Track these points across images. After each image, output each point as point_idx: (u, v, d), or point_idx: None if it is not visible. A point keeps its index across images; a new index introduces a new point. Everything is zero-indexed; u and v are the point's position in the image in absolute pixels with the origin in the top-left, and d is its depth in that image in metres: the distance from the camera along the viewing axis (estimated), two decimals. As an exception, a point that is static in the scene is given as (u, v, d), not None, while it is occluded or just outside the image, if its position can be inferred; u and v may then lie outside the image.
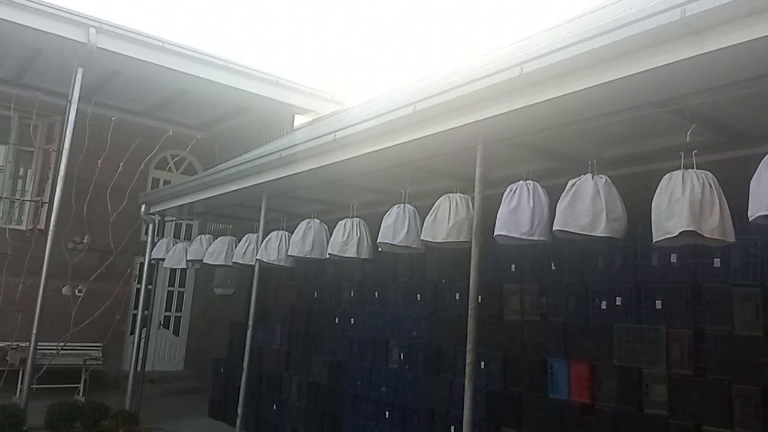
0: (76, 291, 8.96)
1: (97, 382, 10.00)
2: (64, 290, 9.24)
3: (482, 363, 5.23)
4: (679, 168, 3.42)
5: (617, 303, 4.56)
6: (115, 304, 8.86)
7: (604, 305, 4.65)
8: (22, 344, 8.52)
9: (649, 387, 4.21)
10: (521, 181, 4.22)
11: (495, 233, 4.20)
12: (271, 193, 6.79)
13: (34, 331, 7.64)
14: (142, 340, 9.02)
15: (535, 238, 4.05)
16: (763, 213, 2.99)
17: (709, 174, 3.38)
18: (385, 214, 5.31)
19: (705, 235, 3.25)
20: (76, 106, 8.36)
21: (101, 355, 10.25)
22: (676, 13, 2.82)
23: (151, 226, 9.25)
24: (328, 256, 6.10)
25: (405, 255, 6.01)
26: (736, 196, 3.27)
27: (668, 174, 3.45)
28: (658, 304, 4.32)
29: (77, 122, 8.35)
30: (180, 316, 12.29)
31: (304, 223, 6.43)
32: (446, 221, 4.66)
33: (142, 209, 9.16)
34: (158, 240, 9.14)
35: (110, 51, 8.42)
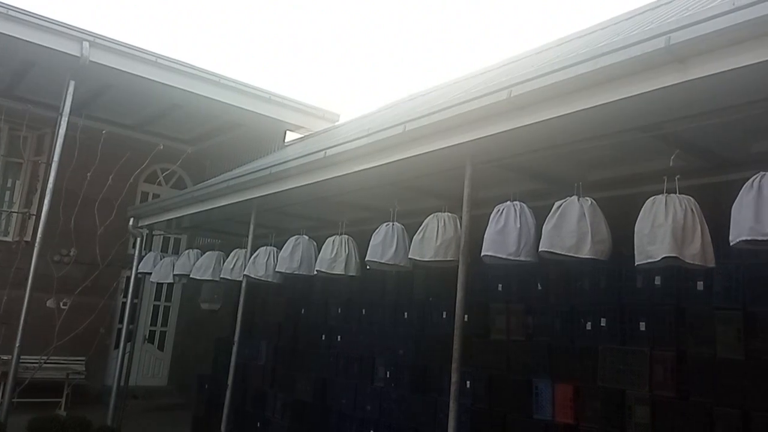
0: (61, 304, 8.89)
1: (80, 397, 9.87)
2: (48, 303, 9.18)
3: (468, 382, 5.23)
4: (662, 192, 3.49)
5: (602, 324, 4.59)
6: (100, 317, 8.80)
7: (589, 326, 4.68)
8: (5, 357, 8.42)
9: (632, 409, 4.23)
10: (508, 202, 4.27)
11: (482, 253, 4.24)
12: (261, 209, 6.81)
13: (18, 344, 7.56)
14: (127, 355, 8.94)
15: (522, 258, 4.09)
16: (743, 238, 3.05)
17: (692, 199, 3.44)
18: (373, 232, 5.33)
19: (687, 260, 3.31)
20: (67, 118, 8.39)
21: (84, 369, 10.15)
22: (661, 41, 2.89)
23: (138, 239, 9.22)
24: (316, 272, 6.10)
25: (393, 273, 6.03)
26: (718, 220, 3.33)
27: (651, 198, 3.52)
28: (642, 326, 4.36)
29: (67, 135, 8.37)
30: (165, 331, 12.20)
31: (292, 239, 6.44)
32: (434, 240, 4.70)
33: (130, 223, 9.13)
34: (145, 254, 9.10)
35: (103, 65, 8.48)
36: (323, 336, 7.24)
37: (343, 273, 5.81)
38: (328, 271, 5.86)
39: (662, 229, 3.32)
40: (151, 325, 11.99)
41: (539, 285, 5.12)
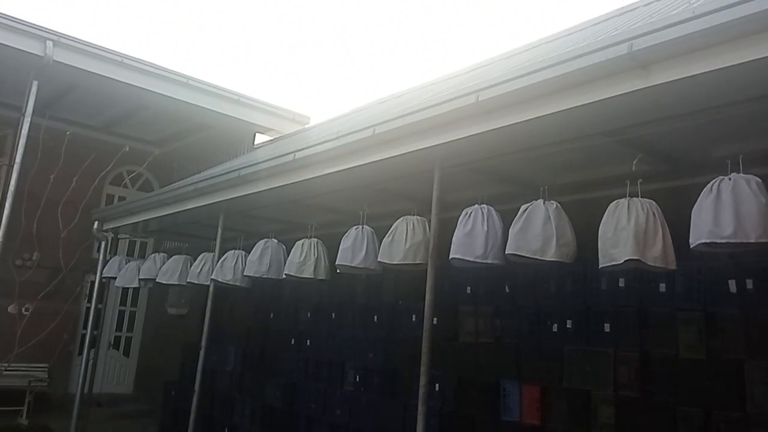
0: (23, 309, 8.64)
1: (42, 405, 9.60)
2: (10, 308, 8.90)
3: (437, 385, 5.25)
4: (626, 196, 3.55)
5: (568, 326, 4.66)
6: (63, 323, 8.60)
7: (555, 328, 4.74)
8: (-37, 364, 8.15)
9: (597, 409, 4.29)
10: (476, 205, 4.30)
11: (450, 256, 4.26)
12: (229, 212, 6.73)
13: (-24, 351, 7.34)
14: (91, 361, 8.74)
15: (489, 261, 4.12)
16: (703, 241, 3.12)
17: (654, 203, 3.51)
18: (343, 235, 5.32)
19: (649, 263, 3.38)
20: (29, 119, 8.20)
21: (47, 376, 9.88)
22: (623, 47, 2.95)
23: (103, 243, 9.02)
24: (285, 276, 6.06)
25: (363, 276, 6.02)
26: (679, 224, 3.41)
27: (615, 202, 3.58)
28: (607, 327, 4.43)
29: (30, 136, 8.18)
30: (131, 337, 11.97)
31: (261, 242, 6.38)
32: (403, 243, 4.71)
33: (95, 226, 8.93)
34: (110, 258, 8.92)
35: (67, 64, 8.31)
36: (292, 340, 7.19)
37: (312, 276, 5.79)
38: (297, 275, 5.83)
39: (625, 233, 3.38)
40: (116, 330, 11.75)
41: (507, 288, 5.17)
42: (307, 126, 11.20)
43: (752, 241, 3.01)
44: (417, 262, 4.64)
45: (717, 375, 3.84)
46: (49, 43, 8.05)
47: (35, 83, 8.26)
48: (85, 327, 9.75)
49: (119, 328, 11.82)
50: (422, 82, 9.23)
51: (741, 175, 3.16)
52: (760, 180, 3.13)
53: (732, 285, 3.93)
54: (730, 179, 3.15)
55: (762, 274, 3.83)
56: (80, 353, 10.13)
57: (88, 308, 9.50)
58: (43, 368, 9.80)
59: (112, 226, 8.81)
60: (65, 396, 10.30)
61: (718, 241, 3.07)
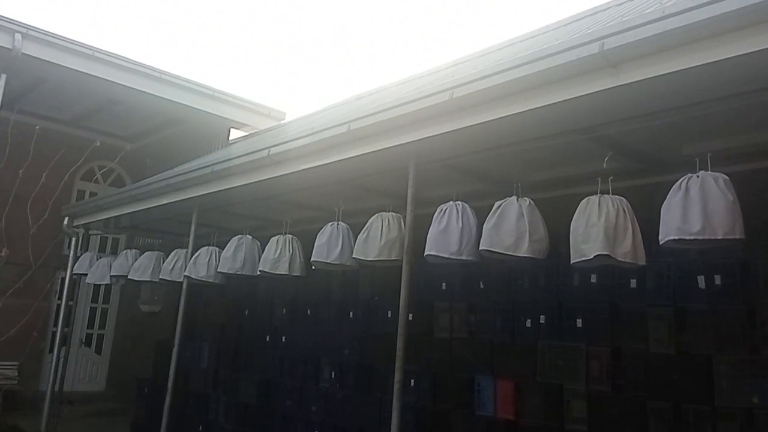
0: (-9, 307, 8.48)
1: (12, 403, 9.40)
2: (-23, 306, 8.73)
3: (412, 381, 5.26)
4: (597, 193, 3.60)
5: (541, 321, 4.70)
6: (33, 320, 8.45)
7: (528, 323, 4.78)
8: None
9: (569, 403, 4.34)
10: (451, 202, 4.31)
11: (425, 253, 4.27)
12: (202, 208, 6.66)
13: (-58, 350, 7.17)
14: (61, 359, 8.60)
15: (464, 257, 4.14)
16: (672, 237, 3.18)
17: (624, 200, 3.56)
18: (318, 232, 5.30)
19: (618, 258, 3.43)
20: (-3, 113, 8.00)
21: (17, 374, 9.67)
22: (595, 46, 2.98)
23: (74, 239, 8.87)
24: (259, 273, 6.02)
25: (338, 273, 6.01)
26: (649, 220, 3.46)
27: (586, 198, 3.62)
28: (579, 323, 4.48)
29: (-3, 130, 7.98)
30: (103, 334, 11.77)
31: (235, 239, 6.33)
32: (378, 239, 4.71)
33: (65, 222, 8.77)
34: (81, 254, 8.77)
35: (36, 57, 8.12)
36: (267, 337, 7.15)
37: (287, 273, 5.75)
38: (271, 272, 5.79)
39: (595, 228, 3.43)
40: (88, 327, 11.53)
41: (481, 284, 5.20)
42: (282, 122, 11.13)
43: (720, 237, 3.07)
44: (392, 258, 4.64)
45: (686, 369, 3.91)
46: (18, 36, 7.87)
47: (3, 76, 8.07)
48: (55, 324, 9.58)
49: (91, 325, 11.62)
50: (399, 79, 9.23)
51: (709, 172, 3.21)
52: (727, 177, 3.19)
53: (701, 281, 4.00)
54: (698, 177, 3.21)
55: (730, 270, 3.91)
56: (51, 351, 9.96)
57: (59, 305, 9.34)
58: (13, 366, 9.60)
59: (83, 222, 8.67)
60: (36, 394, 10.09)
61: (687, 237, 3.13)
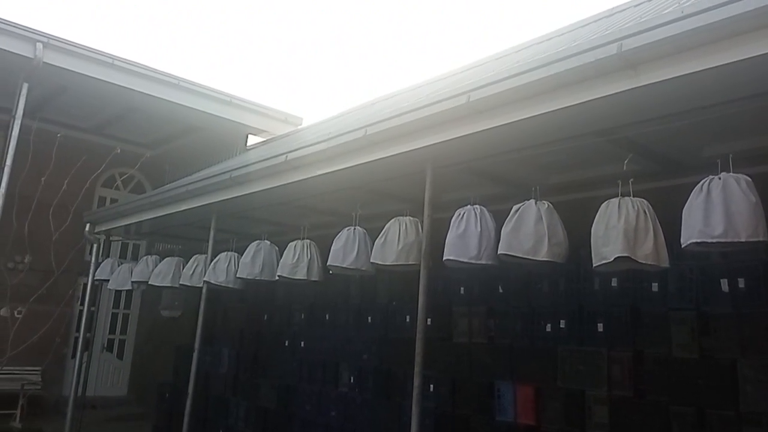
0: (15, 313, 8.54)
1: (36, 408, 9.55)
2: (2, 312, 8.79)
3: (431, 386, 5.24)
4: (617, 195, 3.55)
5: (561, 326, 4.66)
6: (56, 326, 8.49)
7: (548, 328, 4.74)
8: (-46, 369, 8.10)
9: (591, 409, 4.29)
10: (469, 206, 4.29)
11: (444, 258, 4.25)
12: (221, 214, 6.71)
13: (-32, 356, 7.28)
14: (84, 364, 8.70)
15: (483, 262, 4.12)
16: (694, 240, 3.12)
17: (644, 201, 3.51)
18: (335, 237, 5.31)
19: (639, 260, 3.38)
20: (20, 121, 8.15)
21: (40, 379, 9.81)
22: (613, 47, 2.95)
23: (95, 245, 8.98)
24: (278, 278, 6.04)
25: (356, 277, 6.01)
26: (672, 223, 3.41)
27: (606, 201, 3.58)
28: (600, 327, 4.43)
29: (21, 138, 8.12)
30: (125, 339, 11.91)
31: (254, 244, 6.36)
32: (396, 244, 4.70)
33: (87, 228, 8.88)
34: (103, 260, 8.87)
35: (57, 66, 8.25)
36: (286, 342, 7.17)
37: (305, 278, 5.77)
38: (290, 277, 5.81)
39: (615, 230, 3.38)
40: (109, 333, 11.69)
41: (500, 288, 5.16)
42: (299, 127, 11.18)
43: (743, 240, 3.01)
44: (409, 262, 4.64)
45: (710, 374, 3.85)
46: (39, 45, 8.00)
47: (25, 85, 8.21)
48: (78, 330, 9.71)
49: (113, 330, 11.77)
50: (414, 83, 9.22)
51: (731, 174, 3.16)
52: (749, 179, 3.14)
53: (724, 284, 3.94)
54: (720, 179, 3.16)
55: (753, 273, 3.84)
56: (73, 356, 10.09)
57: (81, 311, 9.47)
58: (36, 371, 9.73)
59: (104, 229, 8.77)
60: (59, 399, 10.25)
61: (709, 240, 3.08)
